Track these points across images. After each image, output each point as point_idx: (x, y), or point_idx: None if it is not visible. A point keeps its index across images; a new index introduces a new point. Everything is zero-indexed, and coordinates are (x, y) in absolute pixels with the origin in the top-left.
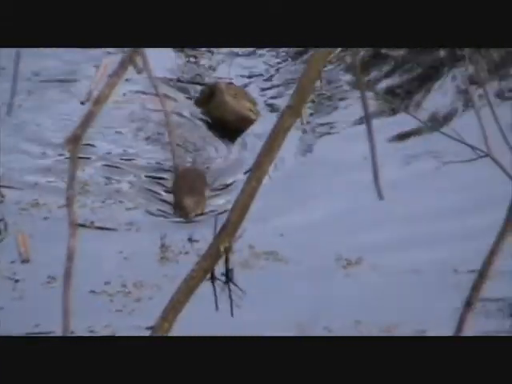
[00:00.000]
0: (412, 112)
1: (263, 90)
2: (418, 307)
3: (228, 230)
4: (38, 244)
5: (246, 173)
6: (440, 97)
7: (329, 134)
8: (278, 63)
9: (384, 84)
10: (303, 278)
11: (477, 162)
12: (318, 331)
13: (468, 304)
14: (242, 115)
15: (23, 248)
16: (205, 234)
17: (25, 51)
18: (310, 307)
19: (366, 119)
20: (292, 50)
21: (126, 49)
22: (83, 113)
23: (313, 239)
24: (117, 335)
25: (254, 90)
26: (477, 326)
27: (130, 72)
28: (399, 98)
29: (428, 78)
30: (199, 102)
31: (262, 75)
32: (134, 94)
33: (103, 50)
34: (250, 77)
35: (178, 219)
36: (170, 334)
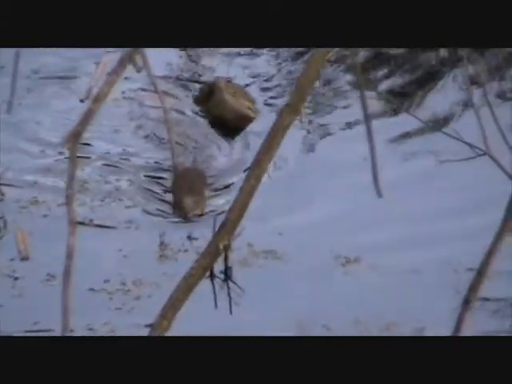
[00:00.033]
0: (413, 112)
1: (264, 90)
2: (416, 306)
3: (227, 228)
4: (38, 242)
5: (245, 171)
6: (441, 97)
7: (330, 134)
8: (279, 63)
9: (385, 84)
10: (302, 277)
11: (476, 162)
12: (316, 329)
13: (466, 303)
14: (241, 113)
15: (22, 246)
16: (204, 233)
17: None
18: (309, 305)
19: (365, 117)
20: (292, 50)
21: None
22: (83, 110)
23: (312, 238)
24: (116, 335)
25: (254, 90)
26: (477, 326)
27: (129, 70)
28: (400, 98)
29: (429, 78)
30: (198, 101)
31: (262, 75)
32: (133, 92)
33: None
34: (252, 77)
35: (176, 219)
36: (169, 332)
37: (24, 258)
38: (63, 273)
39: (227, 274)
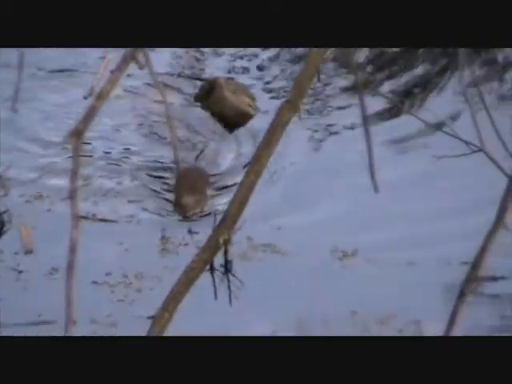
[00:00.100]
0: (414, 113)
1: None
2: (412, 299)
3: (227, 222)
4: (41, 236)
5: (244, 167)
6: (442, 98)
7: (333, 134)
8: (281, 64)
9: (387, 85)
10: (300, 270)
11: (475, 162)
12: (315, 317)
13: (461, 295)
14: (241, 110)
15: (26, 239)
16: (204, 227)
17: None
18: (308, 299)
19: (363, 112)
20: (294, 51)
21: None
22: (86, 107)
23: (311, 236)
24: (116, 335)
25: (255, 90)
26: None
27: (132, 67)
28: (402, 99)
29: (430, 78)
30: (198, 98)
31: (263, 75)
32: (135, 90)
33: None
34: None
35: (177, 217)
36: (171, 326)
37: (28, 252)
38: (67, 266)
39: (227, 267)
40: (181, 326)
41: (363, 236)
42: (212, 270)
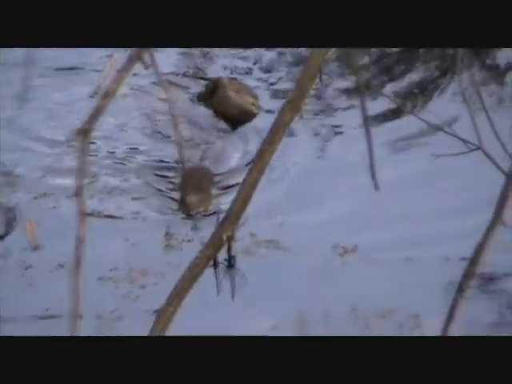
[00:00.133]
0: (417, 113)
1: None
2: (412, 296)
3: (230, 219)
4: (48, 232)
5: (247, 164)
6: (443, 98)
7: (336, 134)
8: (284, 64)
9: (389, 87)
10: (302, 266)
11: (474, 161)
12: (316, 311)
13: (459, 290)
14: (245, 109)
15: (31, 235)
16: (208, 223)
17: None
18: (309, 294)
19: (363, 113)
20: (295, 52)
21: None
22: (92, 106)
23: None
24: (116, 335)
25: (257, 90)
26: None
27: (138, 67)
28: (404, 100)
29: (432, 79)
30: (202, 97)
31: (265, 75)
32: (141, 89)
33: None
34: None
35: (181, 215)
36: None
37: (34, 248)
38: (73, 262)
39: (230, 262)
40: (184, 321)
41: (364, 235)
42: (215, 265)
